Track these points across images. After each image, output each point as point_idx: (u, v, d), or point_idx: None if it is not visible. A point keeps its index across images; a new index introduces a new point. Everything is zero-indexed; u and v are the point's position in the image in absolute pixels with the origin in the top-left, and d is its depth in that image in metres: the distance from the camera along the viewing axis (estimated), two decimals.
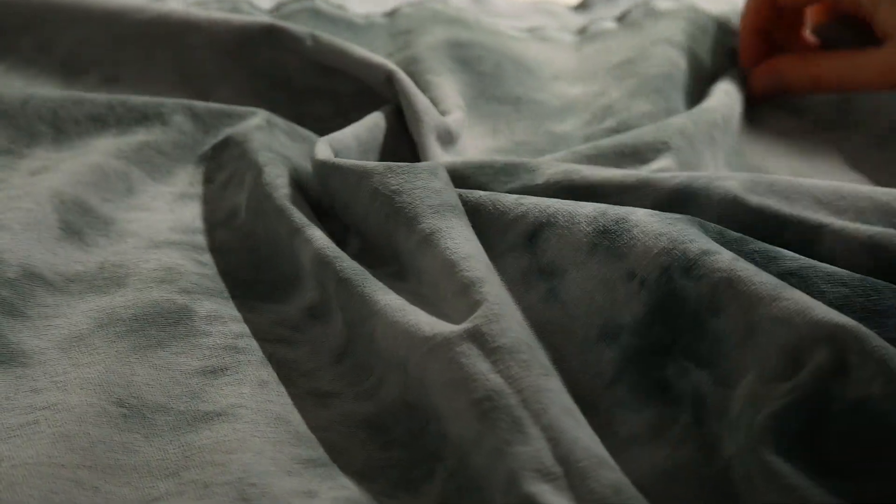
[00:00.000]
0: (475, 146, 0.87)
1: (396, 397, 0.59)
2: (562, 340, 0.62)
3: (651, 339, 0.60)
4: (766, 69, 0.94)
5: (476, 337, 0.55)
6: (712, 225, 0.63)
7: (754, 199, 0.66)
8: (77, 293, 0.67)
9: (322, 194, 0.73)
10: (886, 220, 0.66)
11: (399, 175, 0.67)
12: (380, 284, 0.62)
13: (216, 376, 0.61)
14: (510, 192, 0.71)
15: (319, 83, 0.90)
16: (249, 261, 0.72)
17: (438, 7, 1.04)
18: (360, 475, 0.56)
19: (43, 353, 0.62)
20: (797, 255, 0.61)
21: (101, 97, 0.85)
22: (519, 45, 1.02)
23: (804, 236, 0.64)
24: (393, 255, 0.67)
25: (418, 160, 0.81)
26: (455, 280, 0.59)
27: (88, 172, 0.76)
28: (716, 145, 0.84)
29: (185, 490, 0.54)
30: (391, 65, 0.85)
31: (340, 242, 0.70)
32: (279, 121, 0.83)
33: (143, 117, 0.83)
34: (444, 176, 0.68)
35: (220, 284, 0.69)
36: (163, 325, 0.64)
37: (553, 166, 0.72)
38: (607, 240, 0.62)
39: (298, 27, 0.90)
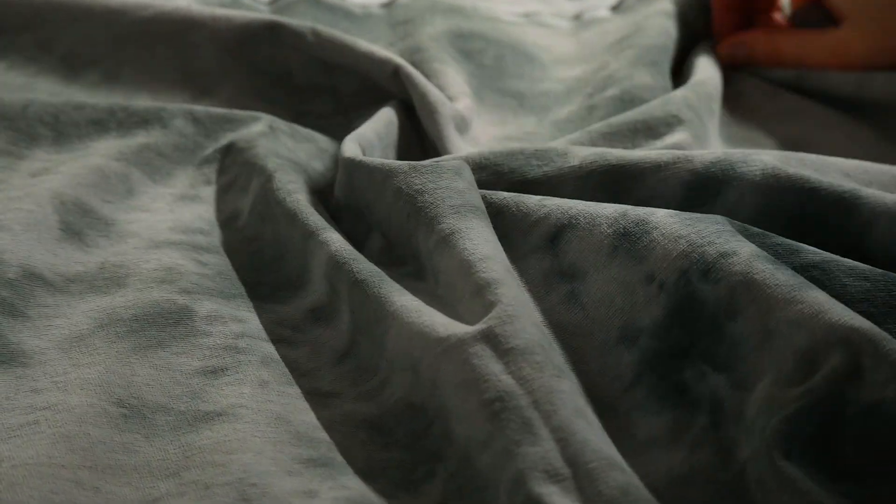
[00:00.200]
0: (485, 133, 0.88)
1: (400, 398, 0.59)
2: (581, 343, 0.62)
3: (670, 342, 0.60)
4: (732, 40, 0.97)
5: (490, 338, 0.55)
6: (737, 223, 0.63)
7: (792, 170, 0.67)
8: (77, 293, 0.67)
9: (346, 192, 0.74)
10: None
11: (423, 174, 0.67)
12: (396, 286, 0.62)
13: (216, 376, 0.61)
14: (544, 175, 0.71)
15: (320, 80, 0.90)
16: (251, 262, 0.72)
17: None
18: (361, 475, 0.56)
19: (43, 354, 0.62)
20: (819, 250, 0.61)
21: (102, 102, 0.85)
22: (517, 30, 1.03)
23: (840, 202, 0.65)
24: (412, 255, 0.67)
25: (428, 154, 0.82)
26: (471, 281, 0.59)
27: (89, 174, 0.76)
28: (714, 116, 0.86)
29: (186, 490, 0.54)
30: (397, 58, 0.86)
31: (362, 241, 0.71)
32: (281, 124, 0.83)
33: (143, 121, 0.83)
34: (469, 176, 0.68)
35: (220, 285, 0.69)
36: (163, 325, 0.64)
37: (585, 149, 0.72)
38: (628, 242, 0.63)
39: (300, 23, 0.90)
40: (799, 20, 0.99)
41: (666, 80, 0.90)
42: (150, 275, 0.68)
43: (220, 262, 0.71)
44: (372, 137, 0.78)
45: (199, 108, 0.85)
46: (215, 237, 0.74)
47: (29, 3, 0.94)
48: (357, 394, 0.61)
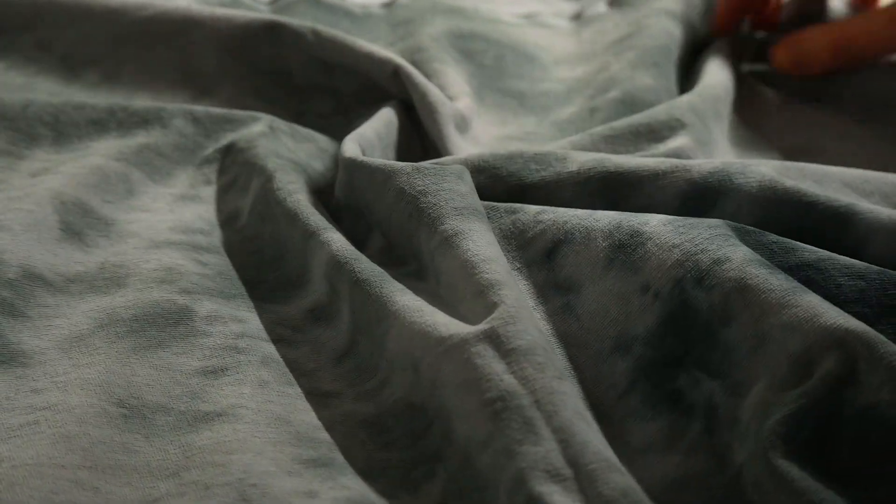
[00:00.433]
0: (486, 133, 0.88)
1: (400, 398, 0.59)
2: (576, 353, 0.63)
3: (664, 350, 0.60)
4: (787, 43, 0.95)
5: (492, 338, 0.55)
6: (732, 223, 0.63)
7: (789, 182, 0.67)
8: (77, 293, 0.67)
9: (346, 192, 0.74)
10: None
11: (426, 176, 0.67)
12: (398, 286, 0.62)
13: (216, 376, 0.61)
14: (542, 180, 0.71)
15: (320, 80, 0.90)
16: (251, 262, 0.72)
17: None
18: (361, 475, 0.56)
19: (43, 354, 0.62)
20: (815, 248, 0.61)
21: (102, 102, 0.85)
22: (518, 31, 1.03)
23: (836, 216, 0.65)
24: (413, 255, 0.67)
25: (428, 154, 0.82)
26: (474, 282, 0.60)
27: (89, 174, 0.76)
28: (721, 120, 0.86)
29: (186, 491, 0.54)
30: (398, 58, 0.86)
31: (362, 241, 0.71)
32: (281, 124, 0.83)
33: (143, 121, 0.83)
34: (470, 180, 0.68)
35: (220, 285, 0.69)
36: (163, 325, 0.64)
37: (584, 155, 0.72)
38: (623, 254, 0.63)
39: (300, 23, 0.90)
40: (794, 15, 0.99)
41: (668, 81, 0.90)
42: (150, 275, 0.68)
43: (221, 262, 0.71)
44: (372, 137, 0.78)
45: (199, 108, 0.85)
46: (215, 237, 0.74)
47: (29, 3, 0.94)
48: (357, 394, 0.61)
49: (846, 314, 0.55)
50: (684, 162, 0.70)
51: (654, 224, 0.63)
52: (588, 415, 0.53)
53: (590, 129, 0.81)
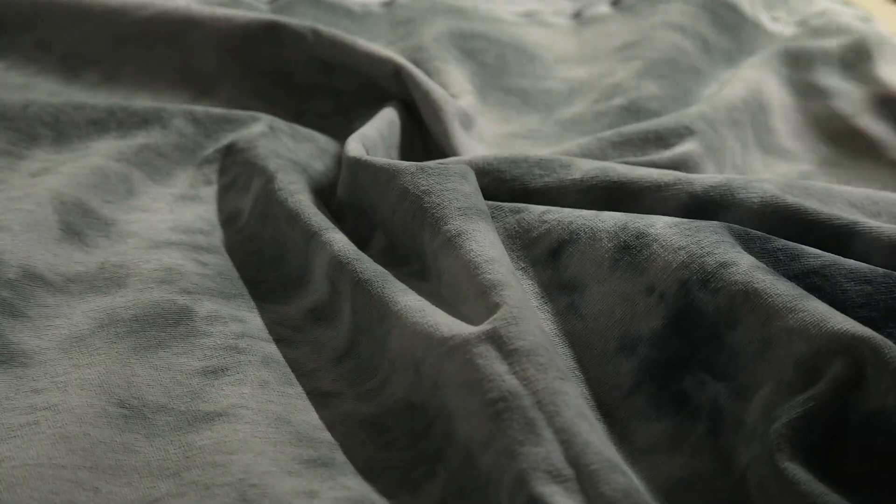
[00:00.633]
0: (490, 130, 0.88)
1: (400, 398, 0.59)
2: (580, 353, 0.63)
3: (669, 351, 0.60)
4: None
5: (494, 339, 0.55)
6: (736, 227, 0.63)
7: (791, 199, 0.67)
8: (77, 293, 0.67)
9: (349, 191, 0.74)
10: None
11: (430, 176, 0.68)
12: (400, 286, 0.62)
13: (217, 376, 0.61)
14: (545, 185, 0.71)
15: (320, 80, 0.90)
16: (251, 262, 0.72)
17: None
18: (361, 475, 0.56)
19: (43, 354, 0.62)
20: (820, 252, 0.61)
21: (102, 102, 0.85)
22: (518, 30, 1.03)
23: (837, 234, 0.65)
24: (416, 255, 0.67)
25: (431, 155, 0.82)
26: (476, 282, 0.60)
27: (89, 174, 0.76)
28: (739, 126, 0.85)
29: (186, 491, 0.54)
30: (399, 58, 0.86)
31: (365, 240, 0.71)
32: (281, 124, 0.83)
33: (143, 121, 0.83)
34: (474, 180, 0.69)
35: (220, 285, 0.69)
36: (163, 325, 0.64)
37: (588, 162, 0.72)
38: (628, 255, 0.63)
39: (300, 22, 0.90)
40: None
41: (675, 92, 0.91)
42: (150, 275, 0.68)
43: (221, 262, 0.71)
44: (375, 137, 0.78)
45: (199, 109, 0.85)
46: (216, 237, 0.74)
47: (29, 3, 0.94)
48: (357, 394, 0.61)
49: (852, 320, 0.55)
50: (687, 175, 0.70)
51: (660, 226, 0.64)
52: (591, 415, 0.53)
53: (597, 134, 0.82)
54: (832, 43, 1.01)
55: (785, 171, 0.85)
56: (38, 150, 0.81)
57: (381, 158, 0.72)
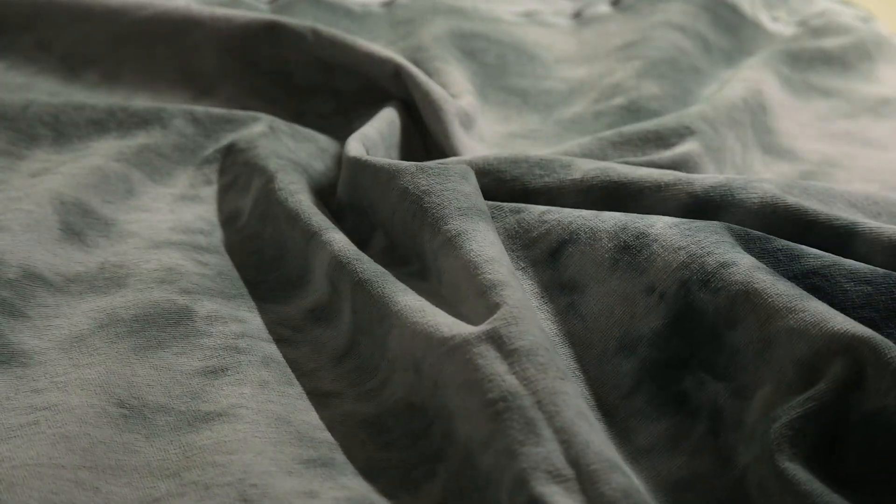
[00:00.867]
0: (490, 130, 0.88)
1: (400, 398, 0.59)
2: (580, 352, 0.63)
3: (669, 351, 0.60)
4: None
5: (494, 338, 0.55)
6: (736, 227, 0.63)
7: (791, 199, 0.67)
8: (77, 293, 0.67)
9: (349, 191, 0.74)
10: None
11: (430, 176, 0.68)
12: (400, 286, 0.62)
13: (217, 376, 0.61)
14: (545, 186, 0.72)
15: (320, 80, 0.90)
16: (251, 262, 0.72)
17: None
18: (361, 475, 0.56)
19: (43, 354, 0.62)
20: (820, 253, 0.61)
21: (102, 102, 0.85)
22: (518, 30, 1.03)
23: (837, 234, 0.65)
24: (416, 255, 0.67)
25: (431, 155, 0.82)
26: (476, 282, 0.60)
27: (89, 174, 0.76)
28: (739, 126, 0.86)
29: (186, 491, 0.54)
30: (399, 58, 0.86)
31: (365, 240, 0.71)
32: (281, 124, 0.83)
33: (143, 121, 0.83)
34: (474, 180, 0.69)
35: (220, 285, 0.69)
36: (163, 325, 0.64)
37: (588, 163, 0.72)
38: (628, 255, 0.63)
39: (300, 22, 0.90)
40: None
41: (675, 91, 0.91)
42: (150, 275, 0.68)
43: (221, 262, 0.71)
44: (375, 137, 0.78)
45: (199, 109, 0.85)
46: (216, 237, 0.74)
47: (29, 3, 0.94)
48: (357, 394, 0.61)
49: (852, 320, 0.55)
50: (687, 175, 0.70)
51: (660, 226, 0.64)
52: (591, 415, 0.53)
53: (597, 134, 0.82)
54: (832, 43, 1.01)
55: (785, 171, 0.85)
56: (38, 151, 0.81)
57: (381, 158, 0.72)
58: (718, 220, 0.66)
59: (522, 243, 0.67)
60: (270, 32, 0.89)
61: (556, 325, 0.64)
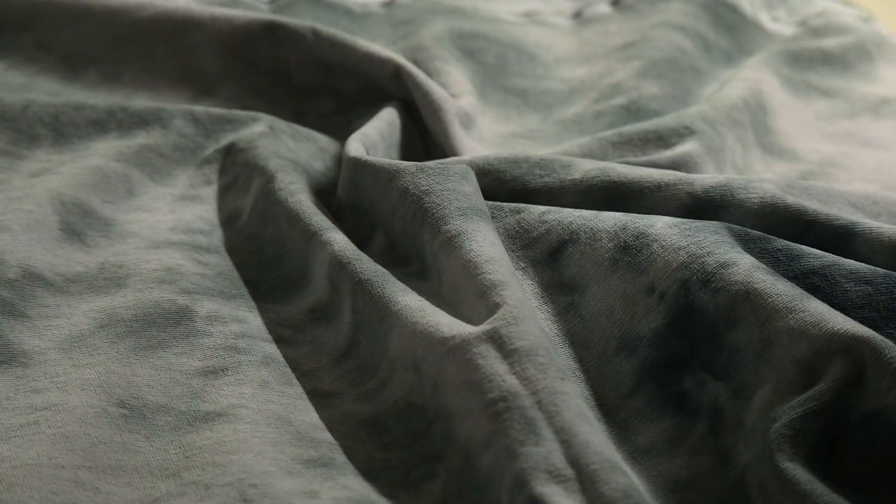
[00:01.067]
0: (490, 130, 0.88)
1: (400, 398, 0.59)
2: (580, 352, 0.63)
3: (669, 351, 0.60)
4: None
5: (495, 338, 0.55)
6: (736, 227, 0.63)
7: (791, 199, 0.67)
8: (77, 293, 0.67)
9: (350, 191, 0.74)
10: None
11: (430, 176, 0.68)
12: (400, 286, 0.63)
13: (217, 376, 0.61)
14: (546, 186, 0.72)
15: (320, 80, 0.90)
16: (251, 262, 0.72)
17: None
18: (361, 475, 0.56)
19: (43, 354, 0.62)
20: (820, 253, 0.61)
21: (102, 102, 0.85)
22: (518, 30, 1.03)
23: (837, 234, 0.65)
24: (416, 255, 0.67)
25: (431, 155, 0.82)
26: (476, 282, 0.60)
27: (89, 174, 0.76)
28: (739, 126, 0.86)
29: (186, 491, 0.54)
30: (399, 58, 0.86)
31: (365, 240, 0.71)
32: (281, 124, 0.83)
33: (143, 121, 0.83)
34: (474, 180, 0.69)
35: (220, 285, 0.69)
36: (163, 325, 0.64)
37: (588, 163, 0.72)
38: (628, 255, 0.63)
39: (299, 22, 0.90)
40: None
41: (675, 91, 0.91)
42: (150, 275, 0.68)
43: (221, 262, 0.71)
44: (375, 137, 0.78)
45: (199, 109, 0.85)
46: (216, 237, 0.74)
47: (29, 3, 0.94)
48: (357, 394, 0.61)
49: (852, 320, 0.55)
50: (687, 175, 0.70)
51: (660, 226, 0.64)
52: (591, 415, 0.53)
53: (597, 134, 0.82)
54: (832, 43, 1.01)
55: (785, 171, 0.85)
56: (38, 151, 0.81)
57: (381, 158, 0.72)
58: (718, 220, 0.66)
59: (522, 243, 0.67)
60: (270, 32, 0.89)
61: (556, 325, 0.64)
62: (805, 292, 0.57)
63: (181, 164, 0.81)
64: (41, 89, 0.89)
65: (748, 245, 0.62)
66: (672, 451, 0.57)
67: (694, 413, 0.58)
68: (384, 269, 0.64)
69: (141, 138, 0.82)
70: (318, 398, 0.61)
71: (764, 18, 1.07)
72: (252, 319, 0.66)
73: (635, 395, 0.60)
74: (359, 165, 0.72)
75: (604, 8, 1.07)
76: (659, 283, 0.61)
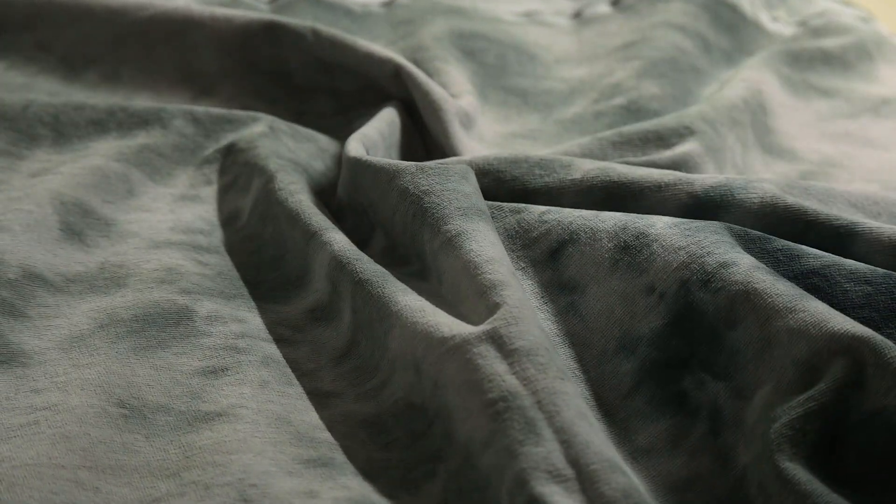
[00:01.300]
0: (490, 130, 0.88)
1: (400, 398, 0.59)
2: (580, 352, 0.63)
3: (669, 351, 0.60)
4: None
5: (494, 338, 0.55)
6: (736, 227, 0.64)
7: (791, 199, 0.67)
8: (77, 293, 0.67)
9: (350, 191, 0.74)
10: None
11: (430, 176, 0.68)
12: (400, 286, 0.63)
13: (217, 376, 0.61)
14: (546, 186, 0.72)
15: (320, 80, 0.90)
16: (251, 262, 0.72)
17: None
18: (361, 475, 0.56)
19: (43, 354, 0.62)
20: (820, 253, 0.61)
21: (102, 102, 0.85)
22: (518, 30, 1.03)
23: (837, 234, 0.65)
24: (416, 255, 0.67)
25: (431, 155, 0.82)
26: (476, 282, 0.60)
27: (89, 174, 0.76)
28: (739, 126, 0.86)
29: (186, 491, 0.54)
30: (399, 58, 0.86)
31: (365, 240, 0.71)
32: (281, 124, 0.83)
33: (143, 121, 0.83)
34: (474, 180, 0.69)
35: (220, 285, 0.69)
36: (163, 325, 0.64)
37: (589, 163, 0.72)
38: (628, 255, 0.63)
39: (299, 22, 0.90)
40: None
41: (675, 91, 0.91)
42: (150, 275, 0.68)
43: (221, 262, 0.71)
44: (375, 137, 0.78)
45: (199, 109, 0.85)
46: (216, 237, 0.74)
47: (29, 3, 0.94)
48: (357, 394, 0.61)
49: (852, 320, 0.55)
50: (687, 175, 0.70)
51: (660, 226, 0.64)
52: (591, 415, 0.53)
53: (597, 134, 0.82)
54: (832, 43, 1.01)
55: (785, 171, 0.85)
56: (38, 151, 0.81)
57: (381, 158, 0.72)
58: (718, 220, 0.66)
59: (522, 243, 0.67)
60: (270, 32, 0.89)
61: (556, 325, 0.64)
62: (805, 292, 0.57)
63: (181, 164, 0.81)
64: (41, 89, 0.89)
65: (748, 245, 0.62)
66: (672, 451, 0.57)
67: (694, 413, 0.58)
68: (384, 269, 0.64)
69: (141, 138, 0.82)
70: (318, 398, 0.61)
71: (764, 18, 1.07)
72: (252, 319, 0.66)
73: (635, 395, 0.60)
74: (359, 165, 0.72)
75: (604, 8, 1.07)
76: (659, 283, 0.61)
